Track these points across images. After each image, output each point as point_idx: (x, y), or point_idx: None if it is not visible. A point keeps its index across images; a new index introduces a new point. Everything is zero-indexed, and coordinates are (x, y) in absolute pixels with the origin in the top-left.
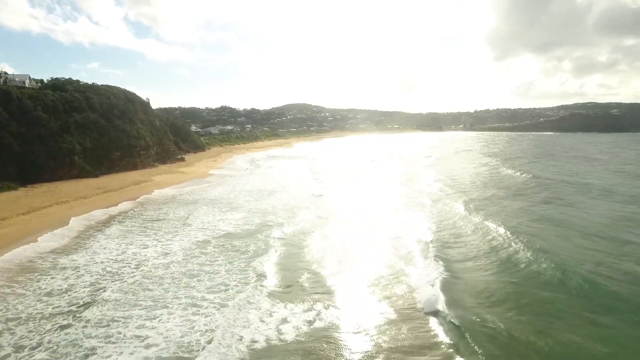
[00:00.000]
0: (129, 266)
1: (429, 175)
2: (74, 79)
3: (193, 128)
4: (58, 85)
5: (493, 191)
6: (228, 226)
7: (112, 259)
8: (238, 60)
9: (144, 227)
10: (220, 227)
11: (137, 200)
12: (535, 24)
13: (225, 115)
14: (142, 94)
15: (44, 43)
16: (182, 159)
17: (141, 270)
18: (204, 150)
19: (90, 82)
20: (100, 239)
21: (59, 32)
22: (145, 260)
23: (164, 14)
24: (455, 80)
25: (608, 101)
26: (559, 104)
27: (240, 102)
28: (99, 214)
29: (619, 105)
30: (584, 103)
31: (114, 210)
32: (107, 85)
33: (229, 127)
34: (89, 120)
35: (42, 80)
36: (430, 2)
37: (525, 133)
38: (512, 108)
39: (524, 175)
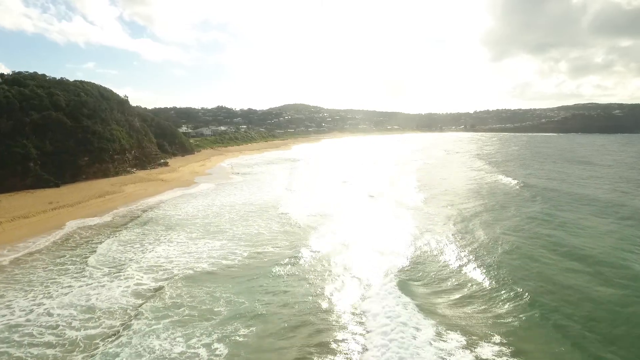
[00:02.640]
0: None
1: (413, 182)
2: (70, 79)
3: (184, 129)
4: (18, 80)
5: (481, 205)
6: (181, 264)
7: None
8: (235, 61)
9: (83, 264)
10: (169, 269)
11: (93, 220)
12: (531, 25)
13: (221, 115)
14: (138, 94)
15: (39, 43)
16: (166, 164)
17: None
18: (193, 153)
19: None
20: (7, 292)
21: (53, 32)
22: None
23: (159, 14)
24: (454, 81)
25: (604, 102)
26: (558, 105)
27: (237, 103)
28: (31, 243)
29: (620, 106)
30: (584, 104)
31: (54, 237)
32: (79, 81)
33: (222, 128)
34: (50, 120)
35: (2, 74)
36: (426, 3)
37: (527, 134)
38: (513, 109)
39: (517, 182)
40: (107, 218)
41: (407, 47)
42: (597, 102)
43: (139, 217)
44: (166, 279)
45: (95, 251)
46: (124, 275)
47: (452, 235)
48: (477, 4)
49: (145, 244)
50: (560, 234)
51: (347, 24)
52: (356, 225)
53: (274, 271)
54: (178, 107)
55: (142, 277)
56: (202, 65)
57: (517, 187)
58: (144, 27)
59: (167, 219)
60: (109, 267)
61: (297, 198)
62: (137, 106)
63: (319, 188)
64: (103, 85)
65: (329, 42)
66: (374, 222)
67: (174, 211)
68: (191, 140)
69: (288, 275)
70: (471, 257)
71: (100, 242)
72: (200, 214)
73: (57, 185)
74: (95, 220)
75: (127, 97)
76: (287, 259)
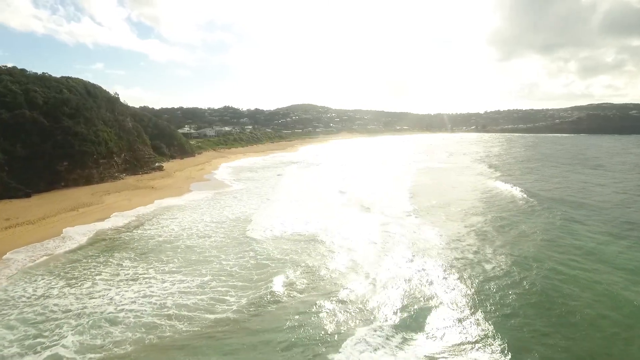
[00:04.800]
0: None
1: (416, 192)
2: (81, 79)
3: (186, 129)
4: None
5: (488, 224)
6: (134, 322)
7: None
8: (241, 61)
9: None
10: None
11: (47, 245)
12: (539, 24)
13: (228, 115)
14: (146, 95)
15: (48, 44)
16: (160, 168)
17: None
18: (193, 156)
19: (95, 83)
20: None
21: (62, 33)
22: None
23: (165, 15)
24: (462, 81)
25: (617, 102)
26: (569, 105)
27: (244, 103)
28: None
29: (637, 106)
30: (598, 104)
31: None
32: (64, 77)
33: (227, 128)
34: (23, 119)
35: None
36: (433, 3)
37: (541, 135)
38: (524, 109)
39: (533, 194)
40: (67, 242)
41: (414, 47)
42: (610, 102)
43: (107, 239)
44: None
45: (19, 303)
46: (48, 341)
47: (453, 269)
48: (484, 4)
49: (98, 283)
50: (592, 266)
51: (354, 24)
52: (348, 253)
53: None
54: (185, 107)
55: (74, 344)
56: (209, 65)
57: (532, 200)
58: (151, 27)
59: (141, 242)
60: (33, 328)
61: (294, 213)
62: (143, 106)
63: (317, 200)
64: (112, 86)
65: (336, 42)
66: (367, 249)
67: (154, 230)
68: (192, 142)
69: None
70: (476, 308)
71: (37, 286)
72: (184, 234)
73: (27, 195)
74: (46, 249)
75: (118, 94)
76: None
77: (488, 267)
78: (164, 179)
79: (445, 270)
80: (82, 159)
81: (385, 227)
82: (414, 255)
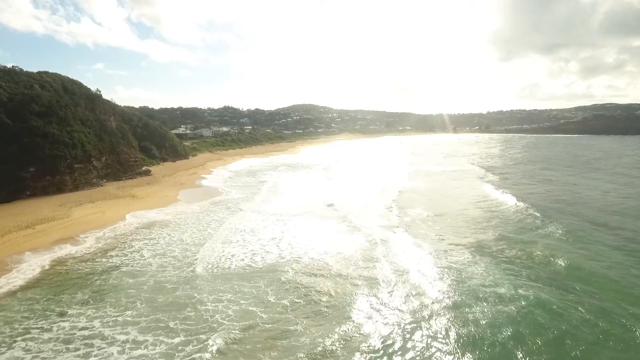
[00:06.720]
0: None
1: (404, 203)
2: (81, 81)
3: (182, 129)
4: None
5: (489, 245)
6: None
7: None
8: (241, 61)
9: None
10: None
11: None
12: (540, 24)
13: (227, 115)
14: (147, 95)
15: (48, 44)
16: (147, 173)
17: None
18: (187, 158)
19: (95, 84)
20: None
21: (62, 33)
22: None
23: (165, 15)
24: (463, 81)
25: (619, 102)
26: (571, 105)
27: (245, 103)
28: None
29: None
30: (603, 104)
31: None
32: (40, 72)
33: (224, 129)
34: None
35: None
36: (435, 4)
37: (546, 135)
38: (527, 109)
39: (542, 210)
40: (5, 277)
41: (416, 47)
42: (611, 102)
43: (59, 272)
44: None
45: None
46: None
47: (467, 318)
48: (485, 4)
49: (15, 347)
50: None
51: (354, 24)
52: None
53: None
54: (184, 107)
55: None
56: (209, 65)
57: (546, 213)
58: (151, 28)
59: (102, 276)
60: None
61: (281, 234)
62: (143, 106)
63: (305, 215)
64: (113, 86)
65: (337, 42)
66: (354, 288)
67: (121, 256)
68: (187, 143)
69: None
70: None
71: None
72: (156, 263)
73: None
74: None
75: (100, 91)
76: None
77: (512, 317)
78: (149, 185)
79: (457, 324)
80: (53, 164)
81: (376, 253)
82: (412, 297)
